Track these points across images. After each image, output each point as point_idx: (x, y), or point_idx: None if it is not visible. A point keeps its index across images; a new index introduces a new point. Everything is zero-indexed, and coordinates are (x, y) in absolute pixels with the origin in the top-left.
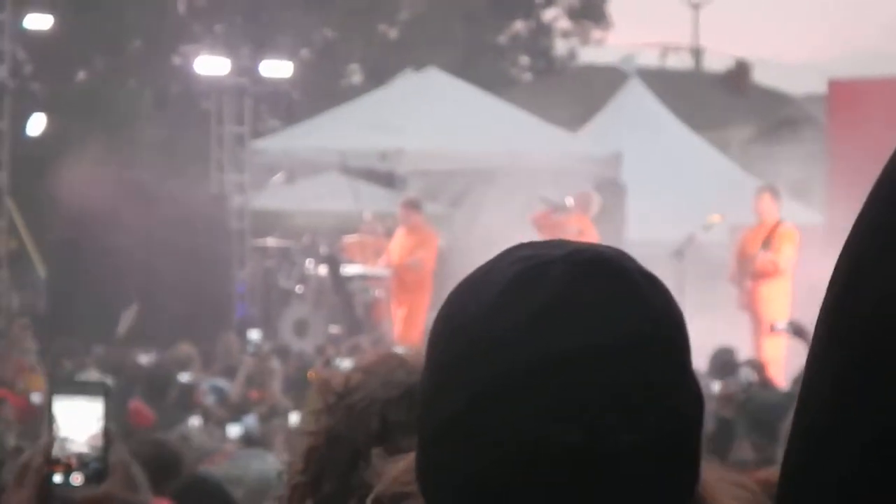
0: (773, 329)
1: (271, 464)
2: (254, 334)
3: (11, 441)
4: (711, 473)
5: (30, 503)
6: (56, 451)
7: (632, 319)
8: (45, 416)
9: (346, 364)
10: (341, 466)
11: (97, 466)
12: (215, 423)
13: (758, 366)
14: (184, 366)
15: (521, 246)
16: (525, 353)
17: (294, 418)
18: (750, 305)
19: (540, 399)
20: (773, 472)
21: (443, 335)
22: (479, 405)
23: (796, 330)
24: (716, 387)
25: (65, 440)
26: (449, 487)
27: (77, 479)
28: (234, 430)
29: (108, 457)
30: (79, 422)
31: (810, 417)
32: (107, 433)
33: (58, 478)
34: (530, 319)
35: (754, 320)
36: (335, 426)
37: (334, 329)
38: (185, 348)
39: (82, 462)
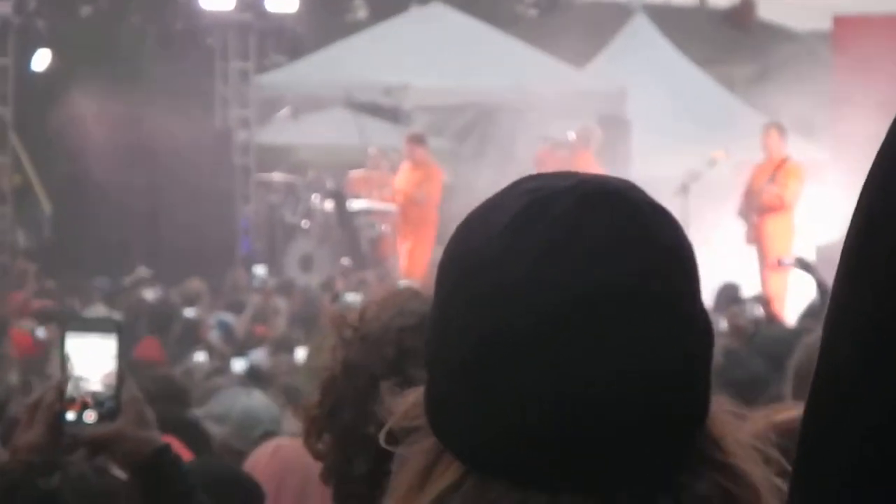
0: (779, 264)
1: (258, 399)
2: (259, 270)
3: (14, 378)
4: (720, 408)
5: (41, 440)
6: (70, 390)
7: (640, 255)
8: (54, 352)
9: (354, 298)
10: (359, 395)
11: (111, 405)
12: (219, 357)
13: (764, 301)
14: (192, 301)
15: (529, 178)
16: (531, 303)
17: (300, 353)
18: (756, 240)
19: (547, 353)
20: (784, 414)
21: (450, 275)
22: (485, 357)
23: (803, 265)
24: (723, 323)
25: (79, 378)
26: (458, 426)
27: (90, 416)
28: (238, 365)
29: (121, 395)
30: (92, 359)
31: (836, 365)
32: (120, 371)
33: (70, 415)
34: (535, 262)
35: (760, 255)
36: (351, 357)
37: (342, 262)
38: (195, 283)
39: (96, 400)
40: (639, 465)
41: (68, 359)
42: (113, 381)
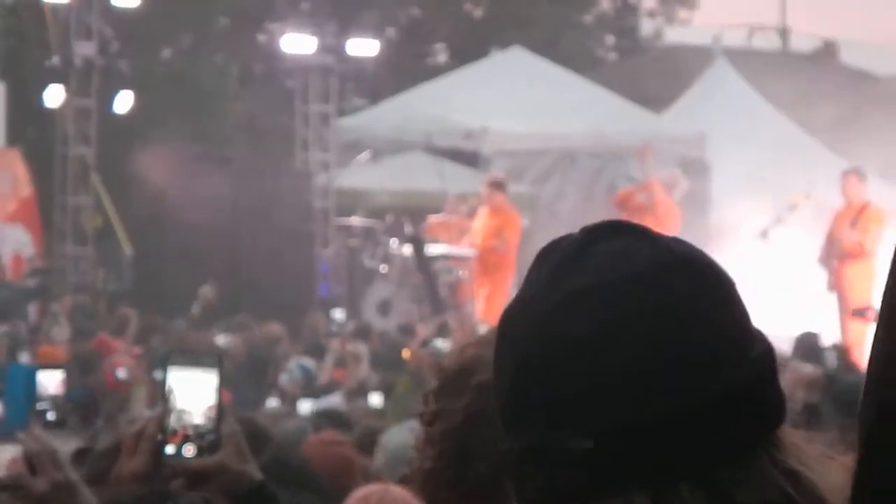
0: (857, 314)
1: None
2: (337, 314)
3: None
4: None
5: (143, 469)
6: (172, 422)
7: (646, 257)
8: (136, 391)
9: (443, 345)
10: (490, 444)
11: (212, 438)
12: (290, 402)
13: (841, 349)
14: (272, 344)
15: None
16: (543, 307)
17: (376, 399)
18: (836, 287)
19: (573, 379)
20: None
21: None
22: (518, 387)
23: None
24: (804, 371)
25: (181, 411)
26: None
27: (189, 450)
28: (305, 406)
29: (222, 428)
30: (194, 393)
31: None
32: (220, 405)
33: (170, 449)
34: (545, 280)
35: (840, 302)
36: (469, 405)
37: (421, 308)
38: (274, 327)
39: (198, 433)
40: (682, 458)
41: (171, 391)
42: (214, 414)
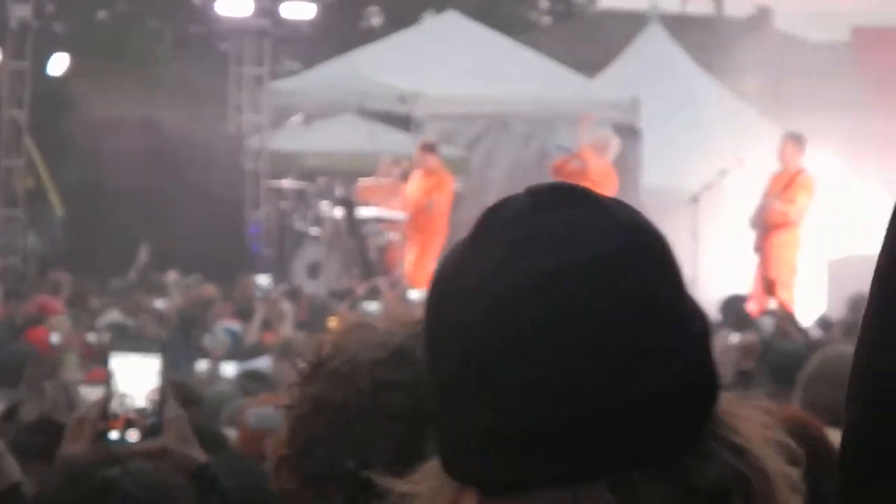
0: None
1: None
2: (263, 279)
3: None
4: (730, 398)
5: (85, 454)
6: (115, 406)
7: (605, 235)
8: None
9: (371, 307)
10: (333, 430)
11: (154, 421)
12: (214, 364)
13: (779, 315)
14: (206, 307)
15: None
16: (494, 296)
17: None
18: (760, 249)
19: (502, 371)
20: (793, 409)
21: (428, 301)
22: (465, 370)
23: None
24: (733, 338)
25: (123, 395)
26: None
27: (133, 435)
28: (229, 369)
29: (164, 412)
30: (136, 378)
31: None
32: (163, 389)
33: (114, 434)
34: (495, 262)
35: (763, 266)
36: (320, 393)
37: (348, 272)
38: (208, 289)
39: (141, 416)
40: (644, 446)
41: (113, 376)
42: (156, 397)
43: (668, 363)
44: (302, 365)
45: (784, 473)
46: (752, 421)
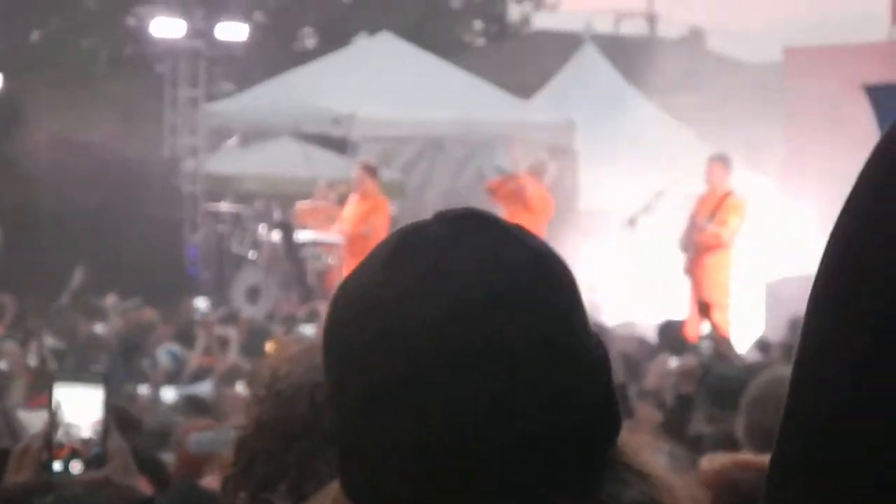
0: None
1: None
2: (201, 303)
3: None
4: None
5: (26, 488)
6: (60, 437)
7: (518, 265)
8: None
9: (308, 331)
10: (272, 451)
11: (98, 451)
12: (155, 388)
13: (717, 339)
14: (148, 330)
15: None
16: (410, 340)
17: (243, 387)
18: (691, 273)
19: (425, 395)
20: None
21: (334, 322)
22: (370, 405)
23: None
24: (672, 362)
25: (69, 426)
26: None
27: (76, 466)
28: (169, 394)
29: (108, 443)
30: (80, 408)
31: (820, 404)
32: (106, 420)
33: (57, 465)
34: (408, 291)
35: (693, 289)
36: (263, 415)
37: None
38: (148, 313)
39: (85, 447)
40: (559, 472)
41: (58, 406)
42: (100, 428)
43: (579, 393)
44: (254, 388)
45: (691, 495)
46: (649, 449)
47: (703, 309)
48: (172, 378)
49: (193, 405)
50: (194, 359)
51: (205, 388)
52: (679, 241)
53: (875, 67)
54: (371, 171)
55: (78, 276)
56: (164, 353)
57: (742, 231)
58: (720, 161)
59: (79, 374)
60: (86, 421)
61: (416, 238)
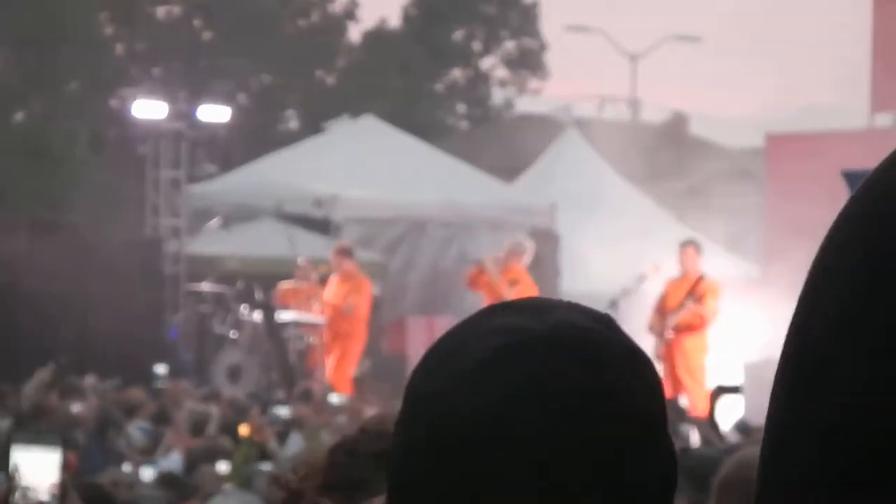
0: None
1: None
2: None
3: None
4: None
5: None
6: (17, 499)
7: (605, 414)
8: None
9: (282, 412)
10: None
11: None
12: (134, 465)
13: (699, 423)
14: (133, 411)
15: (497, 310)
16: (488, 443)
17: (223, 466)
18: (668, 357)
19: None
20: None
21: (415, 401)
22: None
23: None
24: None
25: (26, 488)
26: None
27: None
28: (147, 473)
29: None
30: (38, 471)
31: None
32: (63, 483)
33: None
34: (503, 404)
35: (668, 372)
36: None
37: (268, 376)
38: (136, 393)
39: None
40: None
41: (17, 469)
42: (57, 491)
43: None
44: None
45: None
46: None
47: (678, 389)
48: (148, 454)
49: (170, 484)
50: (171, 436)
51: (174, 464)
52: (649, 325)
53: (854, 154)
54: (345, 252)
55: (43, 375)
56: (136, 429)
57: (721, 313)
58: (691, 246)
59: (36, 437)
60: (43, 484)
61: (517, 352)
